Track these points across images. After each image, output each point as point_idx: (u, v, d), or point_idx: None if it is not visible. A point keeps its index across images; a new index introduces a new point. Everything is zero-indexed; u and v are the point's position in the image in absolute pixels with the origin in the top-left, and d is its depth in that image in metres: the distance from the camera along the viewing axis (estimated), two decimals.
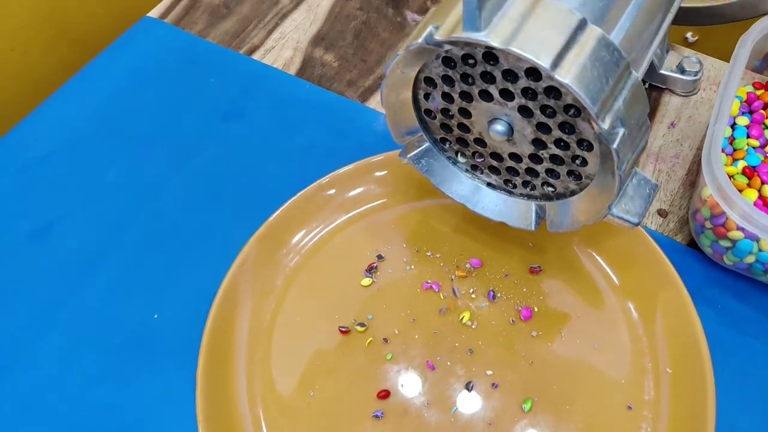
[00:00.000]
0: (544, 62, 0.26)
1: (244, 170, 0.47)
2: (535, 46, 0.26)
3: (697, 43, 0.68)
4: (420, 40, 0.29)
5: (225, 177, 0.47)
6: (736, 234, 0.36)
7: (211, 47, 0.53)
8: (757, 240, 0.35)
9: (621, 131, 0.28)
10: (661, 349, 0.37)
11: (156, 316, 0.41)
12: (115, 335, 0.40)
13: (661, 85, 0.47)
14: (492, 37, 0.27)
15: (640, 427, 0.35)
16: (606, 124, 0.27)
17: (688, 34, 0.69)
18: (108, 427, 0.37)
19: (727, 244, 0.37)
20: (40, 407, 0.38)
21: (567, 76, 0.26)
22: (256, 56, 0.53)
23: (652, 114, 0.46)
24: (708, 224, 0.37)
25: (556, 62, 0.26)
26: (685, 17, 0.49)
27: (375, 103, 0.49)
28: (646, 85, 0.47)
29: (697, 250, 0.41)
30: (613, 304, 0.39)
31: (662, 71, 0.46)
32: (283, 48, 0.53)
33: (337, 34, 0.54)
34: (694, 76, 0.46)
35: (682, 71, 0.46)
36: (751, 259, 0.37)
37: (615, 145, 0.28)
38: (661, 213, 0.42)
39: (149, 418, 0.37)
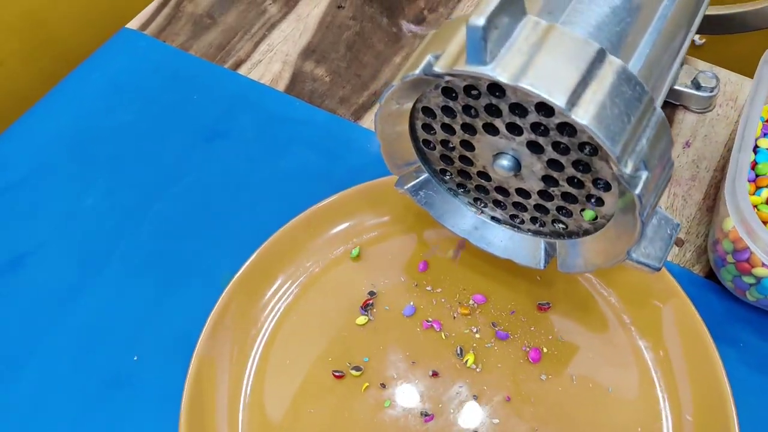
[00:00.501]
0: (558, 101, 0.23)
1: (230, 196, 0.44)
2: (548, 83, 0.23)
3: (705, 47, 0.65)
4: (418, 71, 0.26)
5: (209, 204, 0.44)
6: (761, 271, 0.33)
7: (194, 61, 0.50)
8: None
9: (644, 175, 0.25)
10: (680, 394, 0.34)
11: (136, 358, 0.38)
12: (92, 379, 0.37)
13: (674, 102, 0.44)
14: (499, 71, 0.24)
15: None
16: (628, 169, 0.24)
17: (696, 37, 0.66)
18: None
19: (751, 280, 0.34)
20: None
21: (585, 116, 0.23)
22: (242, 70, 0.49)
23: (673, 164, 0.43)
24: (730, 258, 0.34)
25: (573, 100, 0.23)
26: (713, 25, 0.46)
27: (369, 121, 0.46)
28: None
29: (716, 282, 0.38)
30: (627, 344, 0.36)
31: (676, 87, 0.43)
32: (271, 61, 0.50)
33: (329, 46, 0.50)
34: (710, 92, 0.43)
35: (698, 87, 0.43)
36: None
37: (638, 191, 0.25)
38: (677, 242, 0.39)
39: None
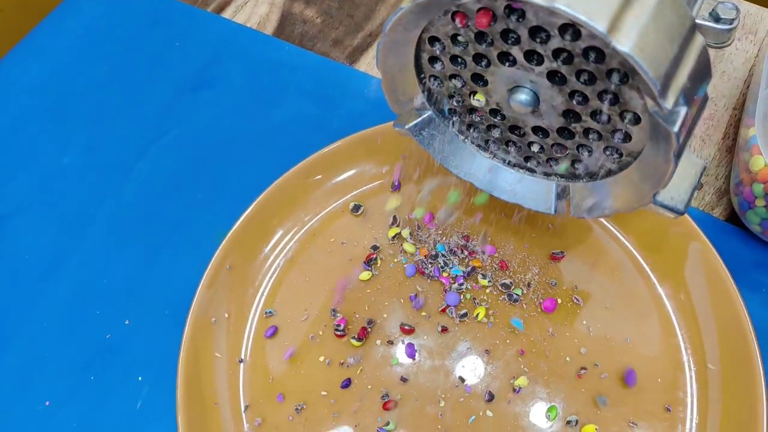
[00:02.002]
0: (600, 26, 0.20)
1: (219, 150, 0.41)
2: (587, 4, 0.20)
3: None
4: None
5: (197, 158, 0.41)
6: None
7: (175, 5, 0.46)
8: None
9: (683, 111, 0.22)
10: (701, 343, 0.33)
11: (128, 322, 0.36)
12: (83, 346, 0.35)
13: None
14: None
15: (681, 429, 0.31)
16: (669, 103, 0.22)
17: None
18: None
19: None
20: (1, 427, 0.33)
21: (627, 43, 0.21)
22: (226, 14, 0.46)
23: (708, 99, 0.41)
24: (760, 201, 0.32)
25: (614, 24, 0.21)
26: None
27: (365, 65, 0.43)
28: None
29: (738, 225, 0.36)
30: (645, 293, 0.34)
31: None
32: (257, 3, 0.46)
33: None
34: (730, 24, 0.40)
35: (717, 19, 0.40)
36: None
37: (676, 129, 0.22)
38: None
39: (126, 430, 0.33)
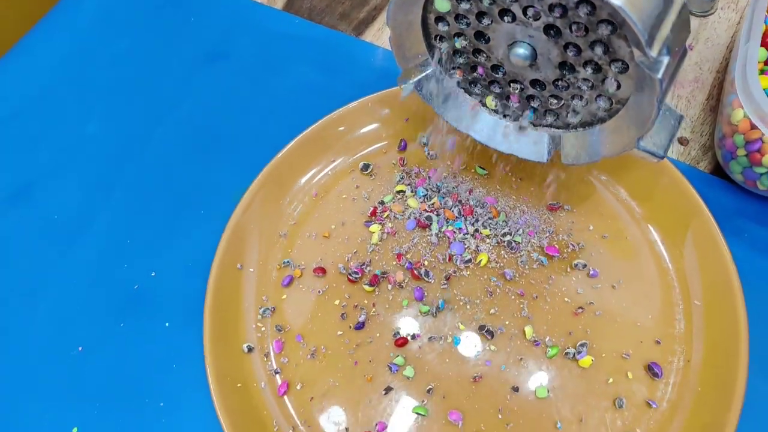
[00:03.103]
0: None
1: (234, 116, 0.43)
2: None
3: None
4: None
5: (213, 124, 0.43)
6: None
7: None
8: None
9: (666, 60, 0.25)
10: (689, 282, 0.36)
11: (153, 274, 0.38)
12: (112, 298, 0.38)
13: None
14: None
15: (670, 361, 0.34)
16: (654, 52, 0.24)
17: None
18: (111, 387, 0.35)
19: (762, 170, 0.35)
20: (38, 371, 0.36)
21: None
22: None
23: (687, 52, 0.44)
24: (740, 152, 0.35)
25: None
26: None
27: (371, 36, 0.46)
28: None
29: (721, 177, 0.39)
30: (638, 236, 0.37)
31: None
32: None
33: None
34: None
35: None
36: None
37: (659, 75, 0.25)
38: (682, 141, 0.40)
39: (155, 383, 0.35)
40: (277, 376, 0.35)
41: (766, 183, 0.36)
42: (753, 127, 0.34)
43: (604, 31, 0.26)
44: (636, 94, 0.28)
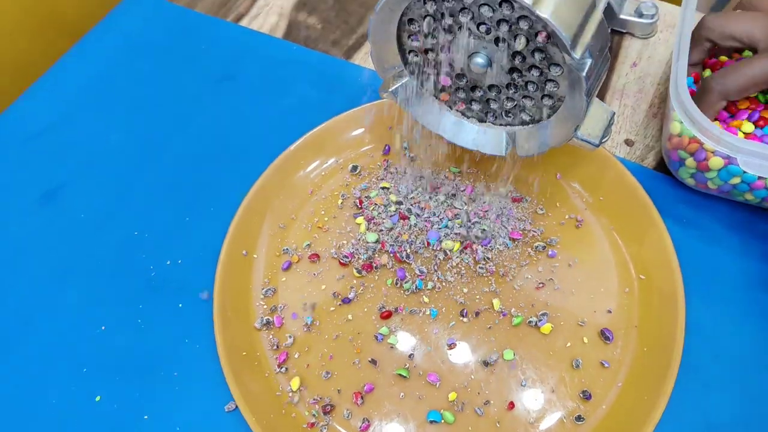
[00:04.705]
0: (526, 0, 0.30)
1: (240, 128, 0.50)
2: None
3: None
4: None
5: (221, 135, 0.49)
6: (716, 162, 0.39)
7: (200, 17, 0.56)
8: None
9: (589, 61, 0.31)
10: (635, 259, 0.41)
11: (168, 263, 0.44)
12: (131, 282, 0.43)
13: (621, 29, 0.51)
14: None
15: (619, 327, 0.39)
16: (578, 54, 0.31)
17: None
18: (130, 360, 0.40)
19: (711, 174, 0.40)
20: (67, 347, 0.41)
21: (546, 11, 0.30)
22: (243, 23, 0.55)
23: (615, 56, 0.50)
24: (689, 162, 0.40)
25: (536, 0, 0.30)
26: None
27: (359, 59, 0.53)
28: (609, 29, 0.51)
29: (662, 172, 0.45)
30: (591, 222, 0.43)
31: (622, 16, 0.50)
32: (268, 14, 0.56)
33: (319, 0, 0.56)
34: (651, 19, 0.50)
35: (640, 15, 0.50)
36: (736, 180, 0.40)
37: (584, 73, 0.31)
38: (628, 142, 0.46)
39: (170, 356, 0.40)
40: (277, 346, 0.40)
41: (716, 183, 0.41)
42: (691, 140, 0.40)
43: (540, 39, 0.33)
44: (570, 92, 0.34)
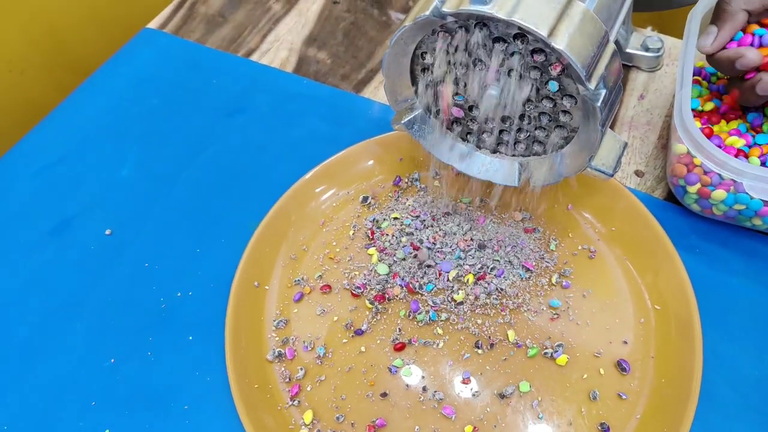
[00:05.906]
0: (542, 31, 0.30)
1: (250, 160, 0.50)
2: (534, 18, 0.30)
3: (654, 21, 0.73)
4: (428, 12, 0.33)
5: (232, 167, 0.49)
6: (719, 194, 0.40)
7: (211, 52, 0.57)
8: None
9: (603, 92, 0.32)
10: (650, 290, 0.41)
11: (179, 294, 0.43)
12: (142, 314, 0.43)
13: (628, 63, 0.52)
14: (496, 9, 0.31)
15: (636, 358, 0.39)
16: (592, 85, 0.31)
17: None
18: (139, 393, 0.39)
19: (715, 201, 0.40)
20: (76, 380, 0.40)
21: (561, 43, 0.30)
22: (253, 58, 0.56)
23: (622, 88, 0.51)
24: (691, 189, 0.41)
25: (552, 32, 0.30)
26: (644, 4, 0.55)
27: (369, 93, 0.53)
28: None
29: (673, 202, 0.45)
30: (603, 252, 0.43)
31: (628, 50, 0.51)
32: (279, 49, 0.57)
33: (328, 35, 0.57)
34: (657, 52, 0.51)
35: (646, 49, 0.51)
36: (741, 207, 0.40)
37: (599, 104, 0.32)
38: (638, 173, 0.47)
39: (180, 389, 0.39)
40: (290, 379, 0.39)
41: (721, 209, 0.41)
42: (693, 166, 0.40)
43: (555, 71, 0.33)
44: (584, 123, 0.34)
